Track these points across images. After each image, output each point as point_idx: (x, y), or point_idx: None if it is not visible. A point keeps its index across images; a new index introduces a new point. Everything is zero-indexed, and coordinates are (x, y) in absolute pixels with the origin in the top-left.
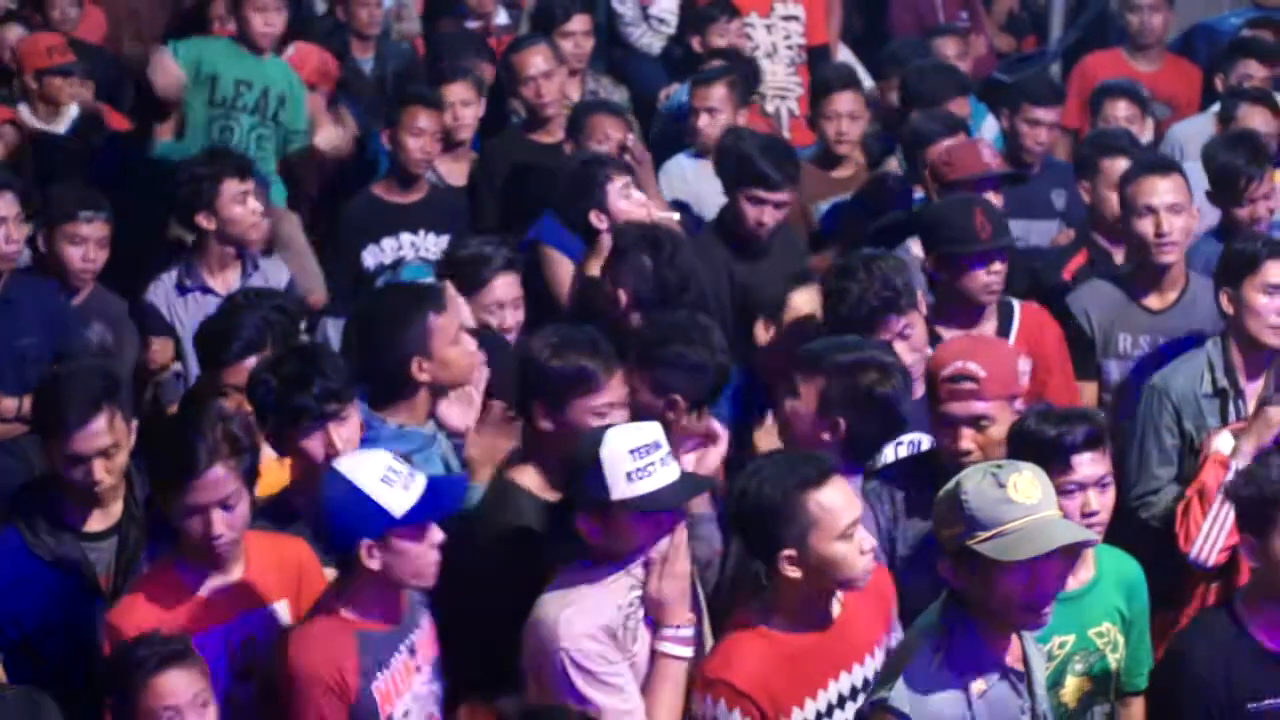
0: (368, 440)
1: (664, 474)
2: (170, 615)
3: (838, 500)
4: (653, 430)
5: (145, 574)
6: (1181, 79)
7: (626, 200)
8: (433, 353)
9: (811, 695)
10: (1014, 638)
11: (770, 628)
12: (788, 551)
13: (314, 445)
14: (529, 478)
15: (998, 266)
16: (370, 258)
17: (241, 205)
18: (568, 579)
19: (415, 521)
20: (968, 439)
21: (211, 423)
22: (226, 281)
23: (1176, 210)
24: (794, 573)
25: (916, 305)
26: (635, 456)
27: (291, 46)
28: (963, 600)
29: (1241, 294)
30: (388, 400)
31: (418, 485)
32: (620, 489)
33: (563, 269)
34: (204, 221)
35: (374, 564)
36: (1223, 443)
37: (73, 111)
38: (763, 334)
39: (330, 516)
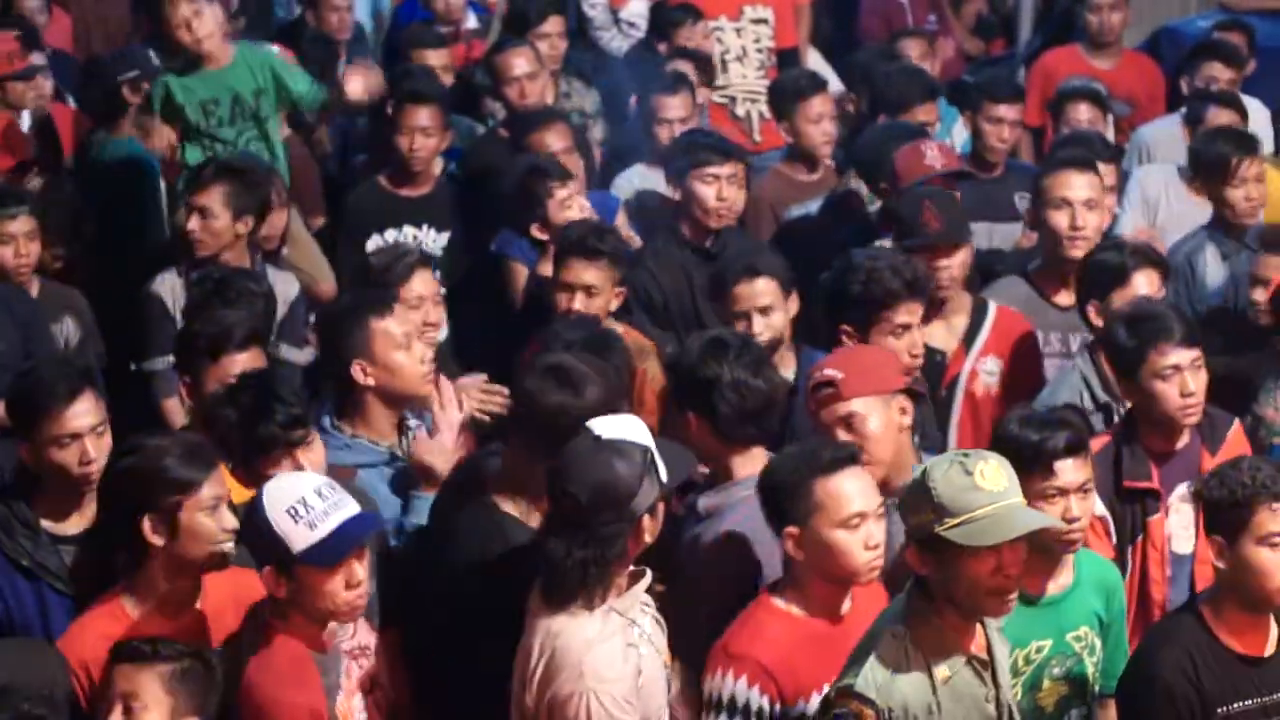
0: None
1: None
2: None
3: (846, 490)
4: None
5: (96, 604)
6: (1140, 76)
7: (566, 212)
8: (375, 357)
9: (828, 682)
10: (978, 626)
11: (788, 606)
12: (791, 530)
13: (281, 472)
14: (513, 505)
15: (946, 261)
16: (373, 247)
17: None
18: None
19: (314, 561)
20: (844, 439)
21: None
22: None
23: (1091, 206)
24: (797, 553)
25: (918, 300)
26: (652, 455)
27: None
28: (928, 588)
29: (1110, 307)
30: (343, 408)
31: (330, 522)
32: (647, 495)
33: (523, 281)
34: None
35: (281, 592)
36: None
37: (27, 117)
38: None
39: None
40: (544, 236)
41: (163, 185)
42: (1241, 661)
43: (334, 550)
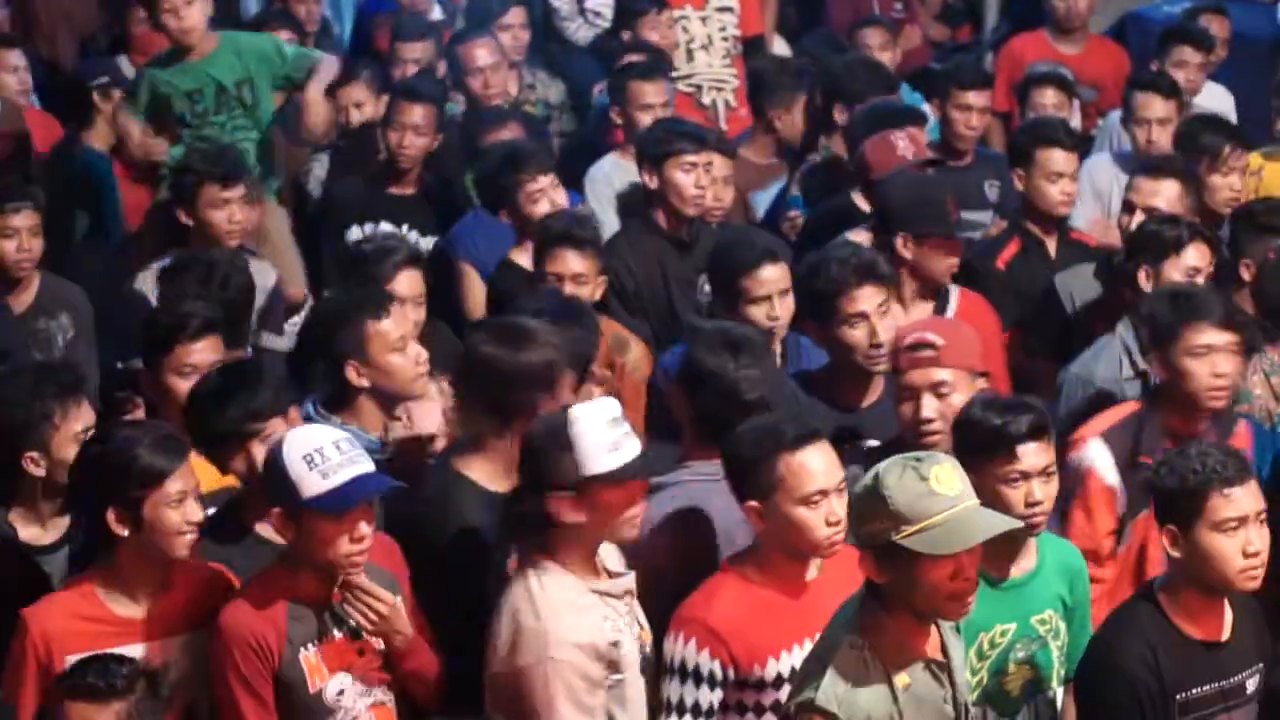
0: None
1: (631, 448)
2: (85, 627)
3: (809, 466)
4: (614, 405)
5: (70, 582)
6: (1106, 61)
7: (536, 205)
8: (369, 358)
9: (786, 648)
10: (932, 628)
11: (746, 575)
12: (753, 503)
13: (240, 467)
14: (477, 469)
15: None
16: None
17: (219, 210)
18: (540, 580)
19: (322, 507)
20: (929, 407)
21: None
22: None
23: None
24: (759, 525)
25: (893, 283)
26: (610, 427)
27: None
28: (882, 595)
29: (1161, 274)
30: (333, 402)
31: (343, 474)
32: (598, 463)
33: (474, 288)
34: (183, 218)
35: (285, 535)
36: None
37: None
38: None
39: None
40: (509, 221)
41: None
42: (1199, 646)
43: (342, 501)
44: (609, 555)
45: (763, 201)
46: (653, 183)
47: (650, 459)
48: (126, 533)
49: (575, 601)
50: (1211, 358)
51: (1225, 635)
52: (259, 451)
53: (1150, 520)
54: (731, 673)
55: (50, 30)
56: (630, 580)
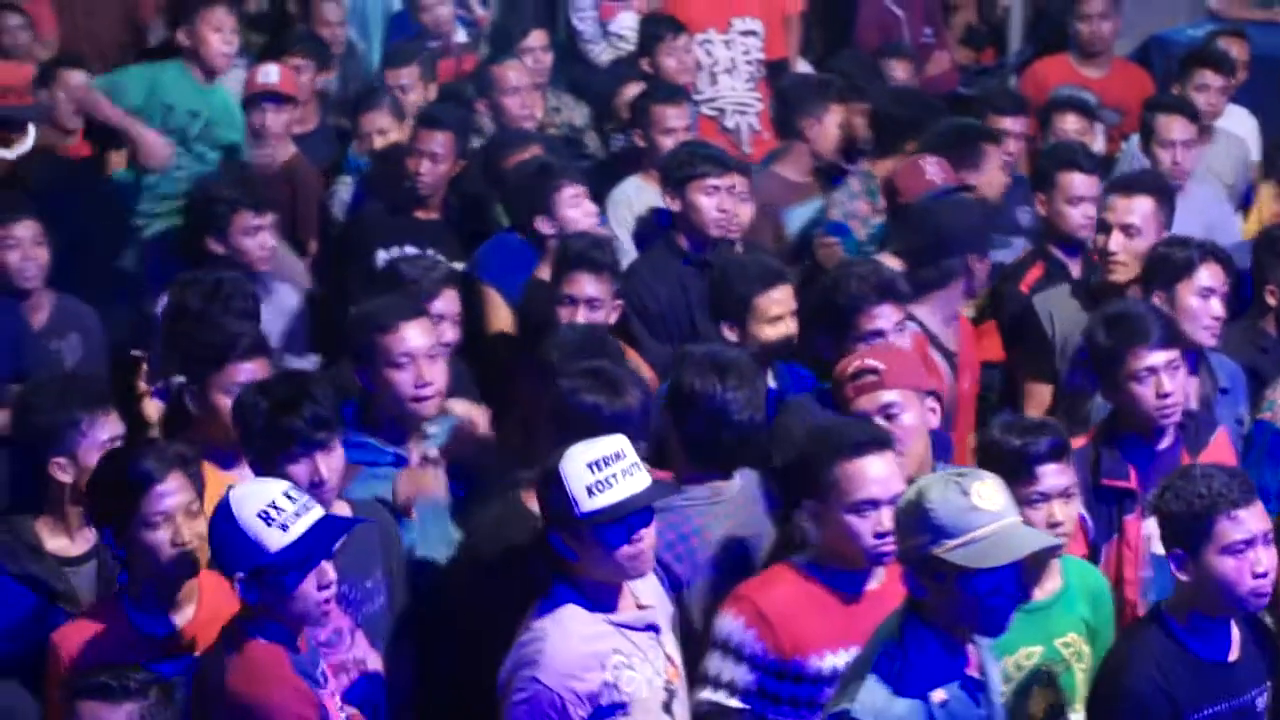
0: None
1: (628, 483)
2: (113, 648)
3: (862, 474)
4: (614, 442)
5: (95, 603)
6: (1130, 85)
7: (575, 209)
8: (373, 369)
9: (831, 649)
10: (971, 647)
11: (804, 570)
12: (809, 503)
13: (300, 472)
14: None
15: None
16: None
17: (252, 238)
18: (554, 609)
19: (286, 560)
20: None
21: (152, 440)
22: None
23: (1129, 231)
24: (812, 526)
25: (907, 302)
26: (594, 469)
27: (275, 68)
28: (921, 609)
29: (1175, 298)
30: (363, 407)
31: (301, 524)
32: (585, 503)
33: (498, 311)
34: (213, 245)
35: (251, 598)
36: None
37: (27, 141)
38: (731, 336)
39: (214, 546)
40: (548, 231)
41: None
42: (1209, 666)
43: (309, 549)
44: (645, 587)
45: (797, 218)
46: (675, 205)
47: (649, 494)
48: (125, 553)
49: (583, 633)
50: (1155, 378)
51: (1234, 655)
52: (326, 461)
53: (1120, 545)
54: (774, 659)
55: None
56: (653, 615)
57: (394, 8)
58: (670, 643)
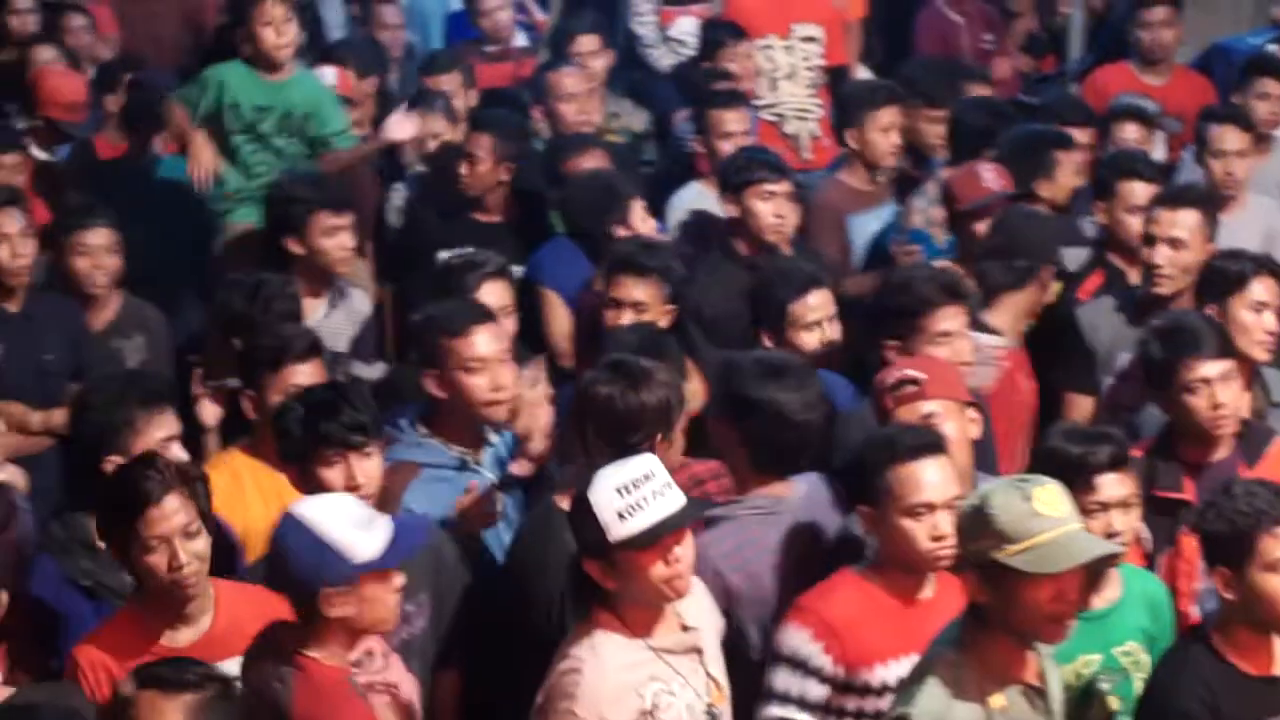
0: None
1: (660, 505)
2: (132, 659)
3: (917, 478)
4: (643, 464)
5: (110, 616)
6: (1191, 92)
7: (644, 224)
8: (445, 373)
9: (894, 657)
10: (1031, 653)
11: (863, 578)
12: (865, 508)
13: (334, 476)
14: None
15: None
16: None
17: (331, 239)
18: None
19: (380, 567)
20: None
21: (158, 458)
22: (312, 307)
23: (1175, 244)
24: (870, 530)
25: (958, 305)
26: (624, 493)
27: (331, 70)
28: (983, 614)
29: (1228, 312)
30: (427, 413)
31: (381, 529)
32: (617, 529)
33: (559, 316)
34: (293, 246)
35: (336, 612)
36: None
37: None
38: (768, 343)
39: (291, 564)
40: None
41: None
42: (1255, 683)
43: (398, 549)
44: (690, 603)
45: (859, 226)
46: (733, 211)
47: (683, 515)
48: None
49: (620, 662)
50: (1209, 389)
51: (1278, 669)
52: (360, 465)
53: (1175, 557)
54: (841, 671)
55: (138, 52)
56: (696, 637)
57: (452, 9)
58: (715, 663)
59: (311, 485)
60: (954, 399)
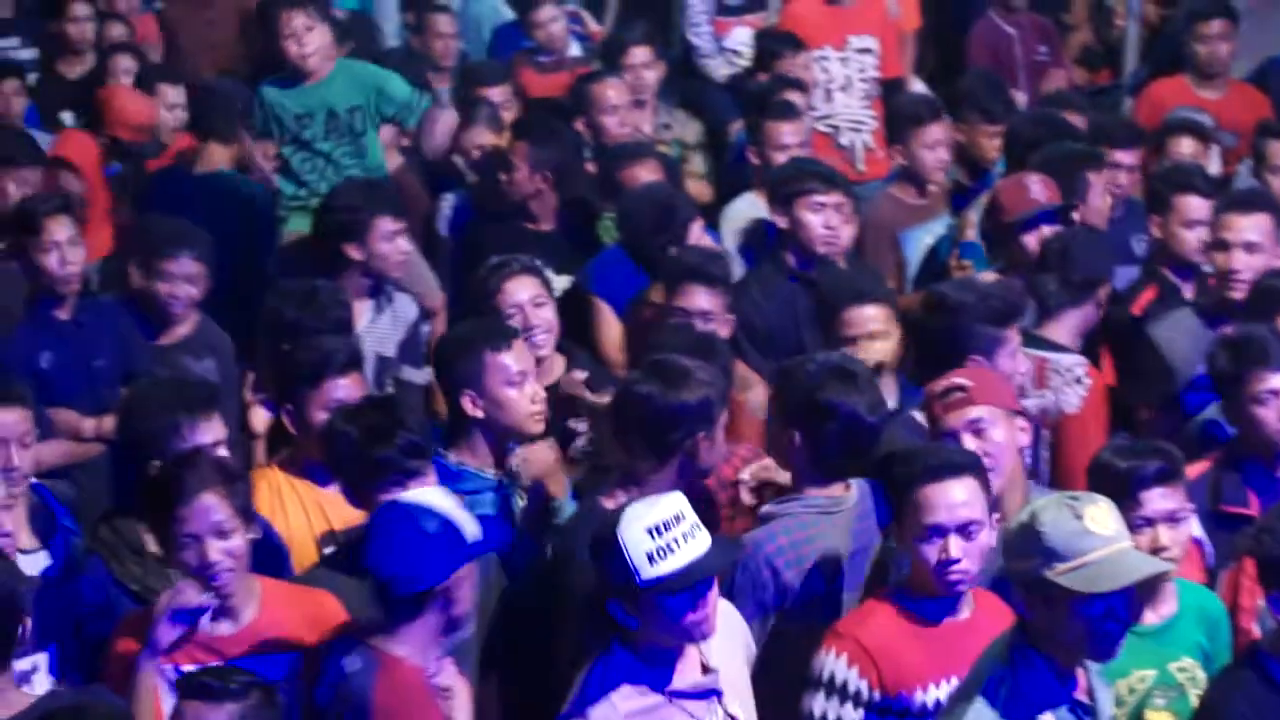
0: None
1: (690, 547)
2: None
3: (930, 500)
4: (672, 504)
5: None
6: (1247, 106)
7: (701, 242)
8: (485, 390)
9: (934, 681)
10: (1080, 670)
11: (900, 601)
12: (894, 529)
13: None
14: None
15: None
16: None
17: (390, 243)
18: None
19: (481, 552)
20: (969, 446)
21: (200, 455)
22: (360, 311)
23: (1251, 248)
24: (901, 548)
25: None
26: (654, 535)
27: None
28: (1030, 632)
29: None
30: (452, 435)
31: (475, 522)
32: (646, 571)
33: (610, 326)
34: (353, 252)
35: (457, 594)
36: None
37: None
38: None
39: (420, 551)
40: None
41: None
42: None
43: (488, 543)
44: (713, 645)
45: (911, 239)
46: (783, 222)
47: (714, 559)
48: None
49: (633, 709)
50: (1278, 401)
51: None
52: (417, 486)
53: (1238, 573)
54: (878, 695)
55: (193, 59)
56: (715, 680)
57: (504, 19)
58: (736, 701)
59: (367, 505)
60: (1001, 406)
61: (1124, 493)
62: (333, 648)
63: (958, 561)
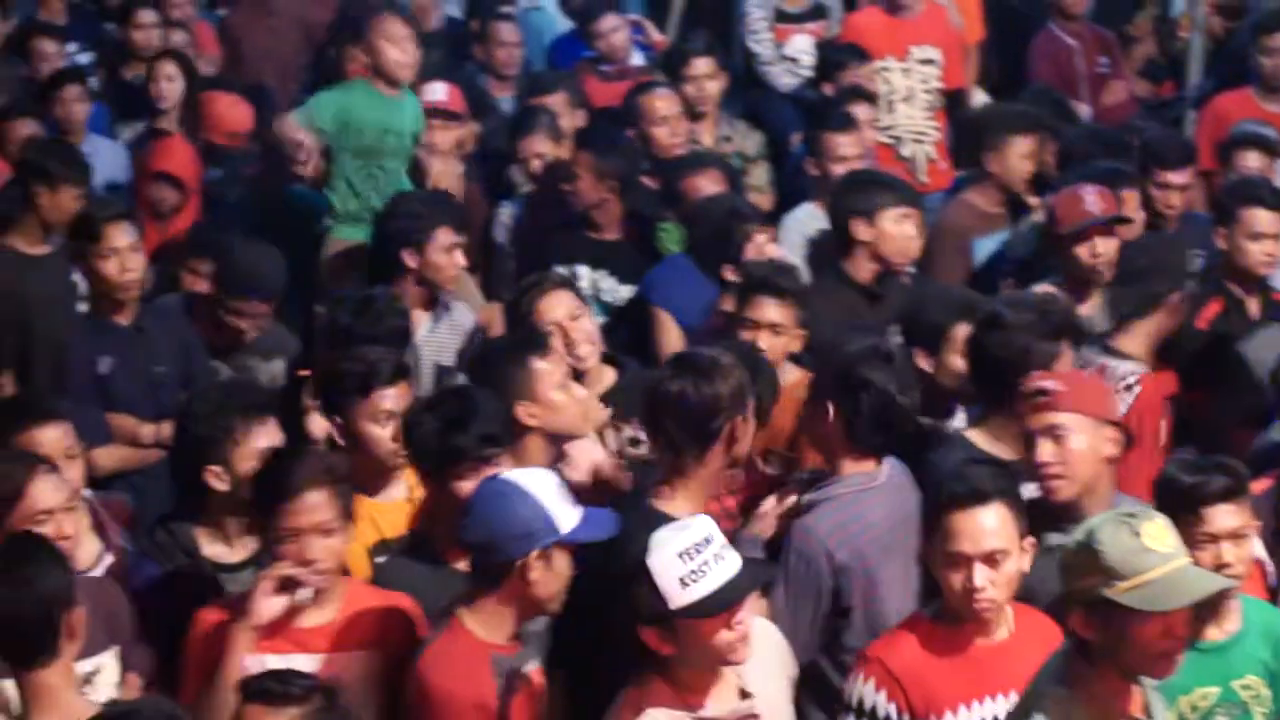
0: None
1: (721, 569)
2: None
3: (954, 528)
4: (701, 527)
5: (239, 593)
6: None
7: (768, 252)
8: (538, 397)
9: (965, 703)
10: (1136, 688)
11: (933, 623)
12: (924, 548)
13: (468, 488)
14: (679, 504)
15: None
16: None
17: (447, 255)
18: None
19: (575, 539)
20: (1044, 450)
21: (309, 451)
22: (418, 321)
23: None
24: (932, 571)
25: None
26: (685, 559)
27: (442, 86)
28: (1088, 650)
29: None
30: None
31: (577, 506)
32: (679, 597)
33: (670, 335)
34: (409, 259)
35: (535, 575)
36: None
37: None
38: (924, 364)
39: (505, 524)
40: (737, 279)
41: None
42: None
43: (593, 528)
44: (752, 670)
45: (982, 248)
46: (865, 234)
47: (746, 579)
48: None
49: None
50: None
51: None
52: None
53: None
54: (907, 718)
55: (255, 68)
56: (752, 706)
57: (561, 29)
58: None
59: (443, 494)
60: (1089, 414)
61: (1189, 508)
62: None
63: (983, 590)
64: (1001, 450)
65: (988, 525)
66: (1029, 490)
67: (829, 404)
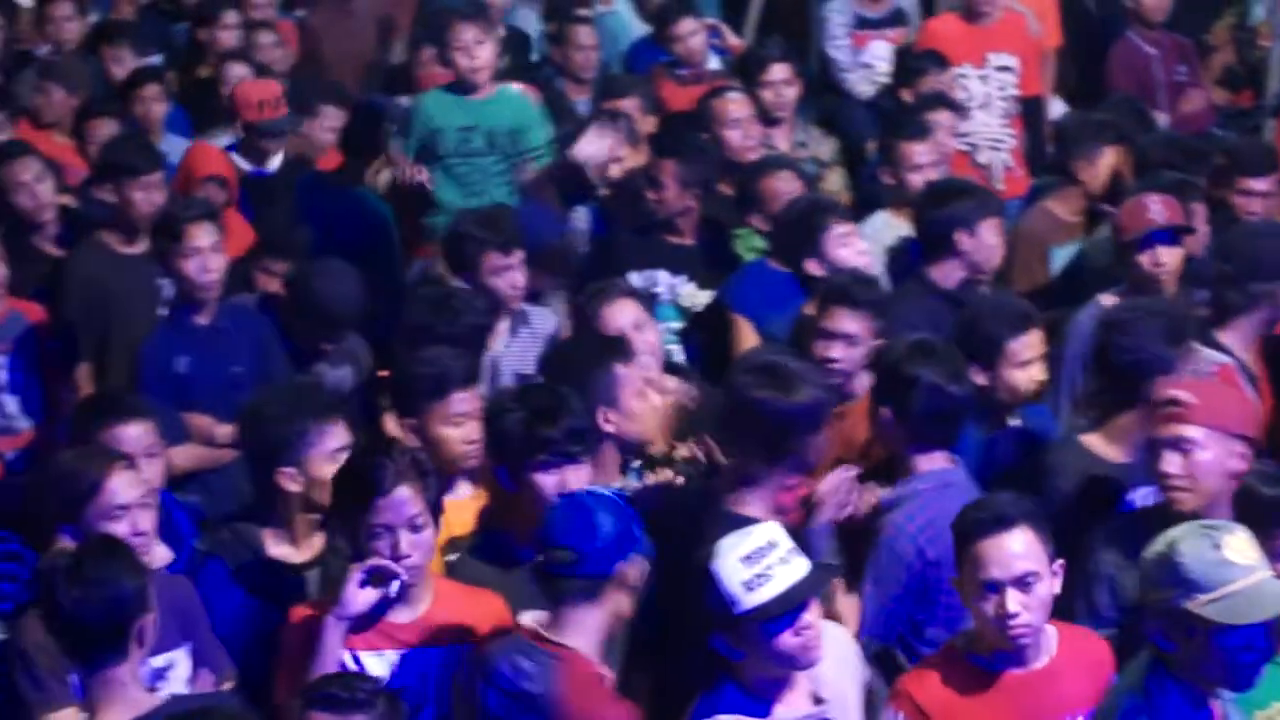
0: None
1: (787, 573)
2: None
3: (983, 556)
4: (766, 531)
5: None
6: None
7: (845, 249)
8: (619, 404)
9: None
10: (1215, 700)
11: (968, 657)
12: (954, 577)
13: (549, 482)
14: (746, 507)
15: None
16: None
17: (500, 278)
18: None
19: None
20: (1170, 462)
21: (396, 448)
22: (498, 331)
23: None
24: (965, 601)
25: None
26: (749, 563)
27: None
28: (1167, 661)
29: None
30: None
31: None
32: (743, 601)
33: (748, 342)
34: (465, 283)
35: (628, 585)
36: None
37: (279, 155)
38: (980, 379)
39: (607, 536)
40: (820, 272)
41: None
42: None
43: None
44: (825, 674)
45: (1059, 257)
46: (968, 244)
47: (811, 583)
48: None
49: None
50: None
51: None
52: (576, 475)
53: None
54: None
55: (334, 69)
56: (825, 710)
57: (637, 32)
58: None
59: (523, 488)
60: (1219, 428)
61: (1270, 520)
62: (500, 648)
63: (1017, 615)
64: (1117, 454)
65: (1016, 549)
66: (1146, 496)
67: (885, 407)
